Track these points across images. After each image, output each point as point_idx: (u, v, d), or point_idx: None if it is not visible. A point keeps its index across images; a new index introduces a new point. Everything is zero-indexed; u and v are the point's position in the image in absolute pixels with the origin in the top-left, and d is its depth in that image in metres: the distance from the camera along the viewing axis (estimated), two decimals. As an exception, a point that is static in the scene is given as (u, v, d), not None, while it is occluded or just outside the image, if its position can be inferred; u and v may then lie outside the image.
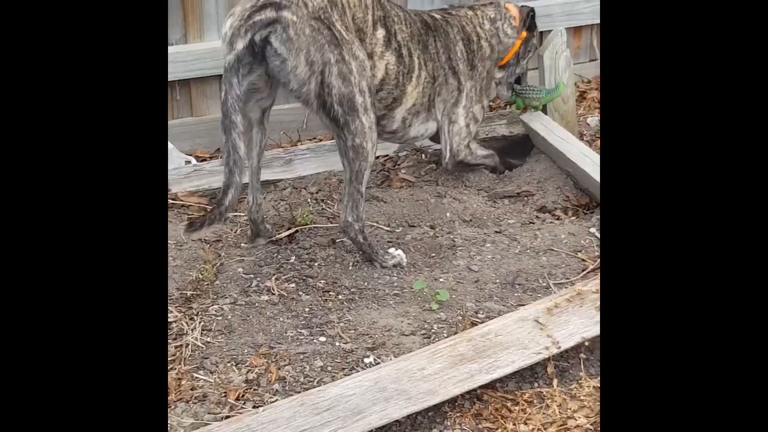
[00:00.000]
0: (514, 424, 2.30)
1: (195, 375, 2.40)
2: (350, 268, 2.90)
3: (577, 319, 2.53)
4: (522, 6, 3.60)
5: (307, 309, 2.68)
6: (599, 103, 4.22)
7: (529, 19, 3.59)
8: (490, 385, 2.38)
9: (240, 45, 2.55)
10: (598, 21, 4.35)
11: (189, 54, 3.57)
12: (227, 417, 2.22)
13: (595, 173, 3.28)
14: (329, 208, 3.30)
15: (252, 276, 2.83)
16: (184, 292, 2.72)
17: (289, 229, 3.10)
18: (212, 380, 2.38)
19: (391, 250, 2.97)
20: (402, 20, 3.12)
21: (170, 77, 3.50)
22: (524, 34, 3.57)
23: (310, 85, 2.66)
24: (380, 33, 2.98)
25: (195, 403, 2.29)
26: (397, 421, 2.25)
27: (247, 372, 2.40)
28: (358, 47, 2.76)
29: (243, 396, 2.33)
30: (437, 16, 3.40)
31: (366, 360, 2.46)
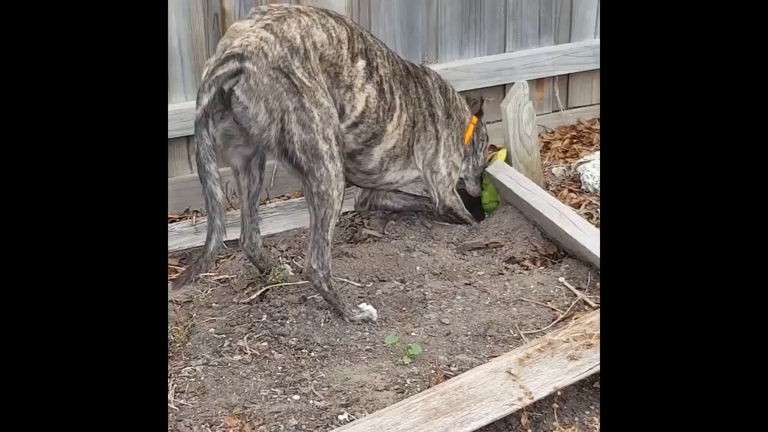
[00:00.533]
0: (490, 477, 2.30)
1: (169, 438, 2.39)
2: (322, 324, 2.91)
3: (548, 368, 2.55)
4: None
5: (280, 367, 2.69)
6: (567, 152, 4.29)
7: (479, 104, 3.76)
8: (465, 438, 2.39)
9: (205, 100, 2.64)
10: (560, 72, 4.43)
11: (156, 116, 3.59)
12: (202, 480, 2.21)
13: (561, 223, 3.32)
14: (300, 264, 3.31)
15: (224, 336, 2.83)
16: (156, 354, 2.71)
17: (260, 287, 3.11)
18: (187, 443, 2.37)
19: (362, 305, 2.98)
20: (384, 56, 3.16)
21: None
22: (474, 118, 3.68)
23: (270, 131, 2.72)
24: (360, 64, 3.01)
25: (170, 467, 2.28)
26: (373, 477, 2.25)
27: (222, 433, 2.40)
28: (323, 94, 2.79)
29: (218, 458, 2.32)
30: (416, 65, 3.48)
31: (340, 417, 2.46)
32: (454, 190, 3.56)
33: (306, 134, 2.73)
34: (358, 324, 2.91)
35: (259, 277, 3.17)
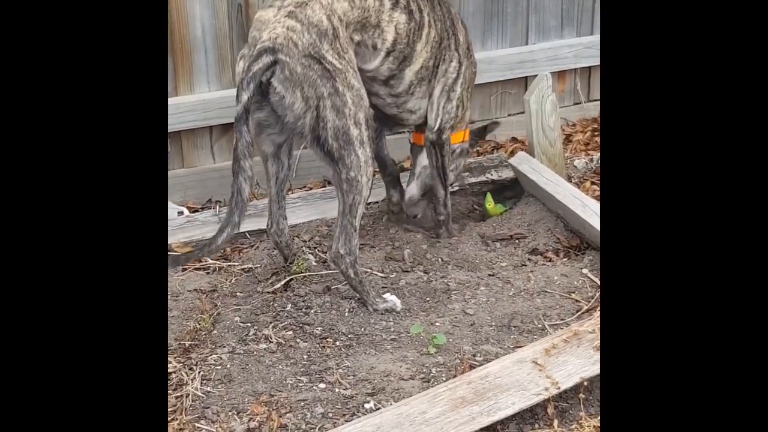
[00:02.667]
0: (517, 466, 2.30)
1: (197, 425, 2.40)
2: (346, 314, 2.91)
3: (575, 359, 2.55)
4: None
5: (305, 356, 2.69)
6: (589, 145, 4.28)
7: (479, 131, 3.69)
8: (492, 428, 2.39)
9: (245, 97, 2.66)
10: (581, 65, 4.41)
11: (180, 106, 3.60)
12: (231, 466, 2.22)
13: (584, 215, 3.31)
14: (323, 254, 3.31)
15: (249, 325, 2.84)
16: (182, 342, 2.72)
17: (284, 277, 3.12)
18: (214, 429, 2.38)
19: (386, 295, 2.98)
20: None
21: (161, 129, 3.52)
22: (468, 134, 3.59)
23: (306, 119, 2.74)
24: (387, 1, 3.00)
25: (198, 453, 2.29)
26: (400, 465, 2.26)
27: (249, 420, 2.40)
28: (353, 75, 2.80)
29: (245, 445, 2.33)
30: None
31: (366, 405, 2.47)
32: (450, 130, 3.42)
33: (339, 120, 2.75)
34: (381, 313, 2.92)
35: (283, 266, 3.17)
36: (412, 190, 3.54)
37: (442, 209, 3.47)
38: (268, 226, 3.14)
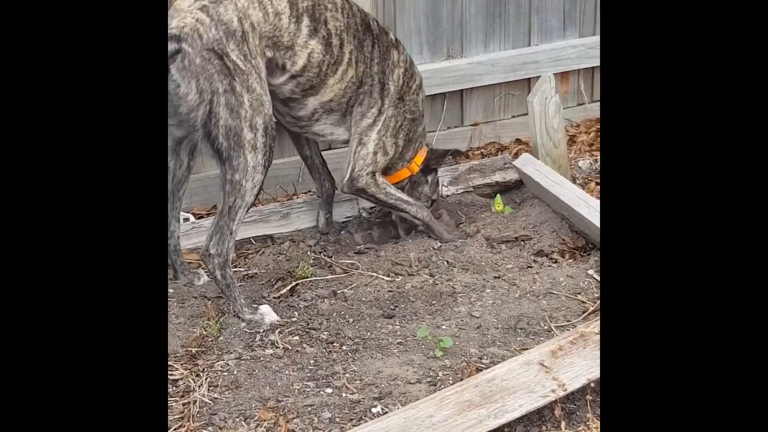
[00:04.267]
0: (525, 468, 2.30)
1: (204, 431, 2.40)
2: (352, 319, 2.91)
3: (581, 360, 2.54)
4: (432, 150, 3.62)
5: (312, 361, 2.69)
6: (599, 146, 4.27)
7: (436, 158, 3.58)
8: (499, 430, 2.39)
9: None
10: (584, 66, 4.41)
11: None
12: (239, 472, 2.23)
13: (590, 216, 3.31)
14: (328, 258, 3.32)
15: (255, 330, 2.84)
16: (188, 348, 2.73)
17: (290, 282, 3.12)
18: (222, 436, 2.38)
19: (262, 307, 2.90)
20: (338, 8, 3.10)
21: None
22: (416, 168, 3.52)
23: (198, 112, 2.75)
24: (305, 23, 2.98)
25: (205, 460, 2.30)
26: (408, 469, 2.26)
27: (256, 426, 2.41)
28: (257, 79, 2.80)
29: (253, 451, 2.33)
30: (390, 34, 3.36)
31: (374, 410, 2.47)
32: (378, 175, 3.33)
33: (233, 120, 2.76)
34: (246, 323, 2.84)
35: (174, 278, 3.13)
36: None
37: (419, 224, 3.44)
38: None
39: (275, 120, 3.08)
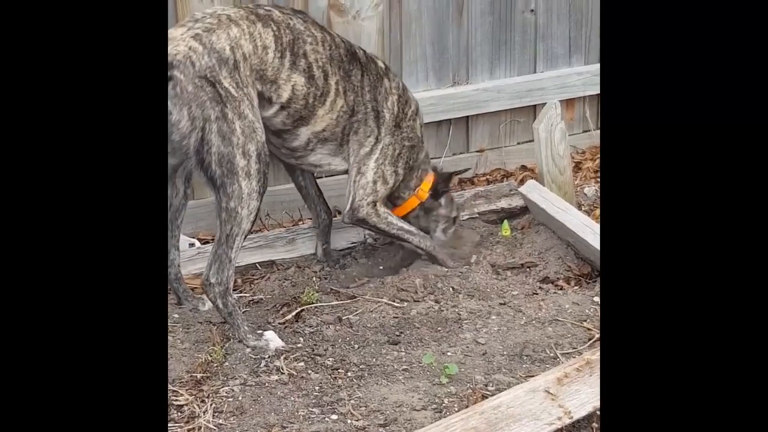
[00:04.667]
0: (531, 497, 2.29)
1: (208, 458, 2.39)
2: (357, 345, 2.91)
3: (587, 388, 2.53)
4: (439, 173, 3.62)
5: (317, 387, 2.69)
6: (599, 172, 4.28)
7: (444, 182, 3.58)
8: (505, 458, 2.38)
9: None
10: (590, 92, 4.42)
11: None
12: (243, 499, 2.21)
13: (595, 242, 3.31)
14: (335, 287, 3.32)
15: (260, 356, 2.83)
16: (194, 374, 2.72)
17: (295, 308, 3.12)
18: (226, 462, 2.37)
19: (267, 333, 2.91)
20: (318, 42, 3.10)
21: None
22: (424, 194, 3.53)
23: (190, 139, 2.76)
24: (287, 58, 2.99)
25: (210, 487, 2.29)
26: (413, 497, 2.25)
27: (261, 453, 2.40)
28: (249, 107, 2.82)
29: (258, 477, 2.32)
30: (380, 62, 3.36)
31: (379, 437, 2.46)
32: (379, 205, 3.34)
33: (225, 147, 2.76)
34: (252, 349, 2.85)
35: (178, 305, 3.15)
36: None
37: (422, 253, 3.46)
38: None
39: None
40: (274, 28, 2.97)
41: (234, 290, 3.27)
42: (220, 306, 2.89)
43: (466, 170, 3.81)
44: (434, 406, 2.59)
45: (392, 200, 3.45)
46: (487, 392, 2.63)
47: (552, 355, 2.86)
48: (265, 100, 2.98)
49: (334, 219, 3.57)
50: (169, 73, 2.70)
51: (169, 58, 2.72)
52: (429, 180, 3.55)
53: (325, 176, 3.70)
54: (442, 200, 3.59)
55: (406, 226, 3.42)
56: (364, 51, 3.33)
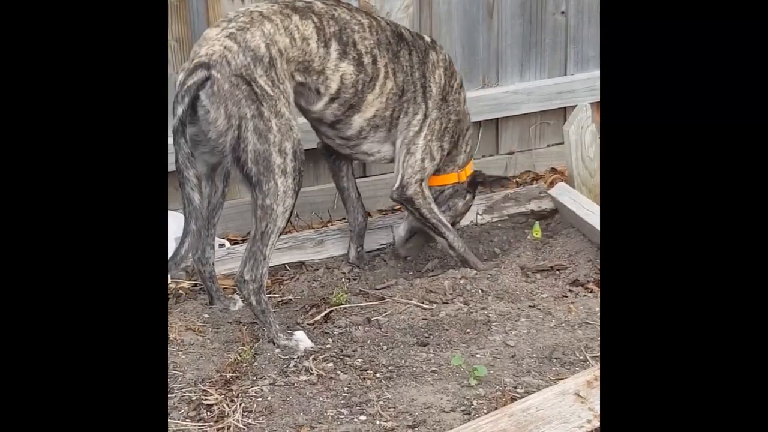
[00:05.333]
0: (560, 500, 2.28)
1: (238, 457, 2.40)
2: (386, 346, 2.91)
3: (617, 391, 2.52)
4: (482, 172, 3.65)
5: (345, 388, 2.69)
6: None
7: (484, 178, 3.61)
8: (534, 461, 2.37)
9: (180, 110, 2.72)
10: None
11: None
12: (272, 499, 2.22)
13: (626, 245, 3.29)
14: (359, 287, 3.32)
15: (289, 356, 2.84)
16: (223, 374, 2.73)
17: (324, 309, 3.12)
18: (255, 462, 2.38)
19: (297, 333, 2.91)
20: (365, 28, 3.12)
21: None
22: (464, 176, 3.56)
23: (227, 137, 2.77)
24: (333, 48, 3.01)
25: (239, 486, 2.29)
26: (442, 498, 2.24)
27: (290, 453, 2.41)
28: (285, 104, 2.83)
29: (286, 477, 2.33)
30: (426, 37, 3.39)
31: (407, 438, 2.46)
32: (425, 186, 3.37)
33: (261, 144, 2.77)
34: (281, 349, 2.85)
35: (210, 304, 3.16)
36: (399, 231, 3.54)
37: (452, 253, 3.46)
38: (193, 252, 3.00)
39: (323, 144, 3.23)
40: (315, 20, 2.98)
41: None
42: (254, 303, 2.90)
43: (505, 179, 3.74)
44: (463, 407, 2.59)
45: (435, 171, 3.47)
46: (516, 394, 2.62)
47: (582, 358, 2.84)
48: (312, 92, 3.01)
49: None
50: (206, 73, 2.72)
51: (205, 59, 2.74)
52: (471, 166, 3.60)
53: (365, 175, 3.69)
54: (468, 196, 3.61)
55: (444, 220, 3.44)
56: (408, 30, 3.36)
